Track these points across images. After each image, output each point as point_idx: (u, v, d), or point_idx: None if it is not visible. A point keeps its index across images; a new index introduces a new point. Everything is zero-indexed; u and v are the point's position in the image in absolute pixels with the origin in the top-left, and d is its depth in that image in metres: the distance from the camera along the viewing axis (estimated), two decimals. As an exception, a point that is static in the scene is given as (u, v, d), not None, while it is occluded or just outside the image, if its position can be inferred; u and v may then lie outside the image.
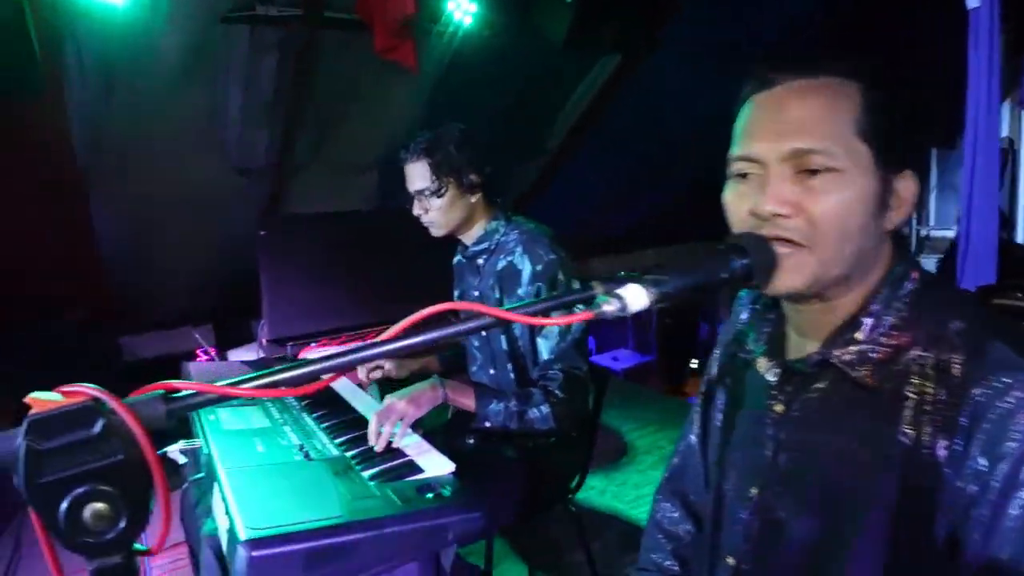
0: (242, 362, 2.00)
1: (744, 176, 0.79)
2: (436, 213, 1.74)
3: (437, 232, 1.79)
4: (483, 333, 1.85)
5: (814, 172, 0.74)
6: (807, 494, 0.81)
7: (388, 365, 1.92)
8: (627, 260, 4.95)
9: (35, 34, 2.04)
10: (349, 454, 1.38)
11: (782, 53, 0.79)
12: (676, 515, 1.12)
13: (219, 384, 0.52)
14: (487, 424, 1.58)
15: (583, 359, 1.66)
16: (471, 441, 1.70)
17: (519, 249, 1.71)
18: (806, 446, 0.82)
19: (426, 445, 1.41)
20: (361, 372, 1.92)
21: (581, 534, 1.96)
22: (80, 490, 0.46)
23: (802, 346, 0.85)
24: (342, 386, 1.89)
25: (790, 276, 0.75)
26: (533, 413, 1.58)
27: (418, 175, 1.70)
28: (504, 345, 1.77)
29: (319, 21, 2.77)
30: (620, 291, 0.63)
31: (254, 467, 1.23)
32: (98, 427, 0.47)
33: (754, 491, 0.87)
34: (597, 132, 3.96)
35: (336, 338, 2.99)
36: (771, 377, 0.86)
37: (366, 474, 1.25)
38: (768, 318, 0.93)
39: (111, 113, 2.69)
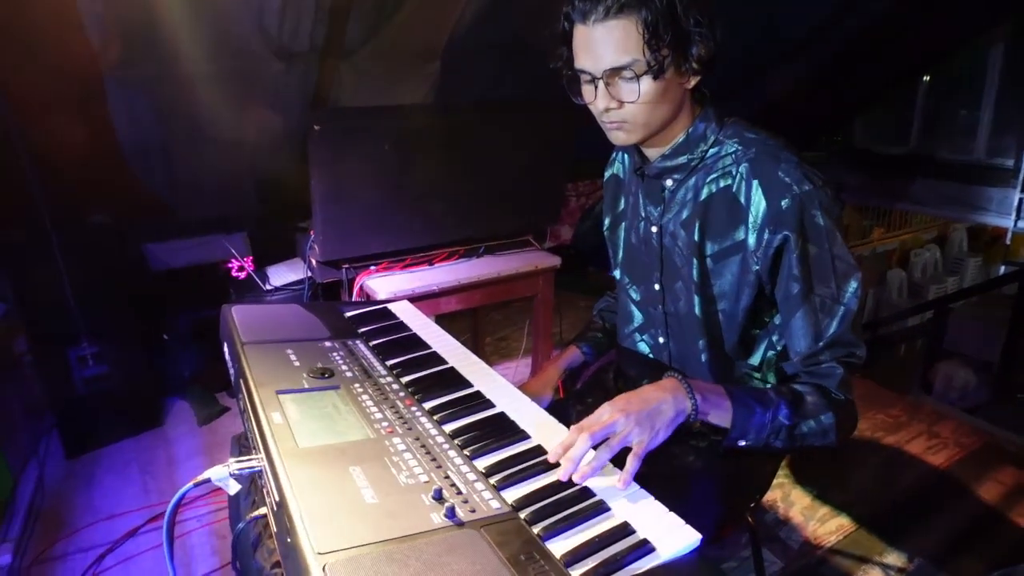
0: (303, 306, 1.53)
1: None
2: (641, 108, 1.07)
3: (630, 138, 1.13)
4: (656, 284, 1.28)
5: None
6: None
7: None
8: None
9: None
10: (523, 513, 0.85)
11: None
12: None
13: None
14: (741, 443, 1.08)
15: (862, 341, 1.11)
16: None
17: (743, 170, 1.11)
18: None
19: (643, 493, 0.90)
20: None
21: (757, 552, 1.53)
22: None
23: None
24: (441, 343, 1.40)
25: None
26: (808, 426, 1.08)
27: (616, 42, 1.01)
28: (697, 308, 1.21)
29: None
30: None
31: (369, 549, 0.72)
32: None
33: None
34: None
35: (400, 261, 2.54)
36: None
37: (554, 547, 0.78)
38: None
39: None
